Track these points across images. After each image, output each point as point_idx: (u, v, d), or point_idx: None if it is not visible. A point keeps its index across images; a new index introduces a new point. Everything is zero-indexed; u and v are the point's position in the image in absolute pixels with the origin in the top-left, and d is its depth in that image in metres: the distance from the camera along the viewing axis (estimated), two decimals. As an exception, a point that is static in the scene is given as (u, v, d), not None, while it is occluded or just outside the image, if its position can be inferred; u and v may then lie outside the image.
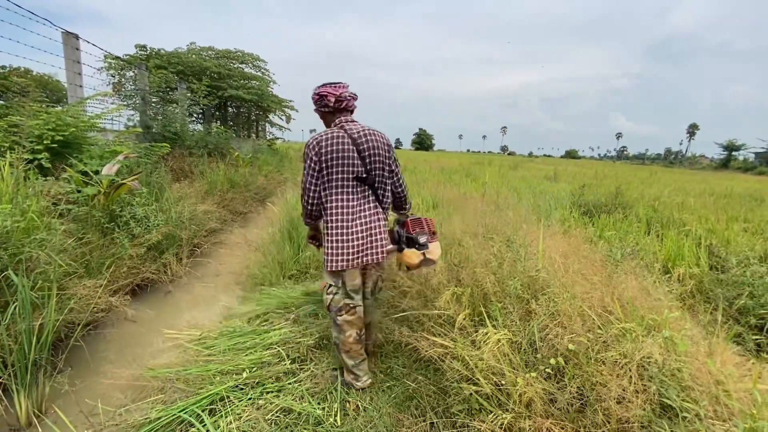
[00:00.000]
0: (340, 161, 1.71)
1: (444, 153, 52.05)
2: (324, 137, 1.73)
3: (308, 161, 1.74)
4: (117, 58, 8.38)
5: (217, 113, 14.64)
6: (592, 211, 4.82)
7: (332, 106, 1.81)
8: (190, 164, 7.38)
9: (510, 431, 1.36)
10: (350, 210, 1.74)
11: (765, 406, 1.13)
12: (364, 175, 1.76)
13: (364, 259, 1.77)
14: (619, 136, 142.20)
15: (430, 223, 1.90)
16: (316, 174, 1.74)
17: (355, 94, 1.86)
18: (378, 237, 1.78)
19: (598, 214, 4.71)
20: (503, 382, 1.44)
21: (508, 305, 1.73)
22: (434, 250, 1.84)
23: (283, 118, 17.73)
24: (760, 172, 35.72)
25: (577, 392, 1.36)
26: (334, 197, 1.74)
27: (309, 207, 1.83)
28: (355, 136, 1.75)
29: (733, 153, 51.45)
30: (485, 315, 1.73)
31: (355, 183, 1.75)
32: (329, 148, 1.71)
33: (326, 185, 1.75)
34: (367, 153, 1.75)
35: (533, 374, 1.40)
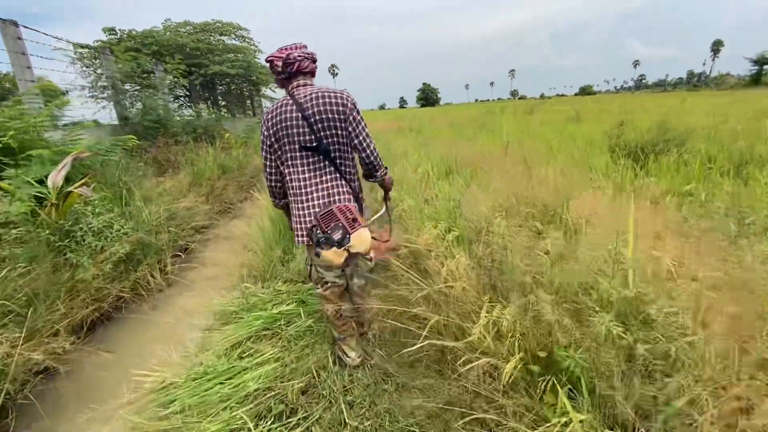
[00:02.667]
0: (286, 131, 1.58)
1: (451, 106, 49.74)
2: (272, 109, 1.62)
3: (261, 137, 1.65)
4: (77, 45, 7.58)
5: (206, 93, 13.79)
6: (638, 153, 3.99)
7: (281, 71, 1.63)
8: (176, 153, 6.75)
9: None
10: (305, 182, 1.61)
11: None
12: (315, 144, 1.58)
13: None
14: (636, 64, 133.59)
15: (345, 212, 1.53)
16: (268, 149, 1.64)
17: (309, 54, 1.64)
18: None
19: (645, 156, 3.89)
20: None
21: (594, 352, 1.04)
22: (357, 241, 1.47)
23: (277, 90, 16.71)
24: (798, 83, 32.56)
25: None
26: (289, 170, 1.63)
27: (269, 185, 1.74)
28: (301, 101, 1.57)
29: (765, 67, 47.13)
30: (554, 376, 1.06)
31: (304, 153, 1.60)
32: (276, 119, 1.59)
33: (281, 159, 1.64)
34: (314, 119, 1.56)
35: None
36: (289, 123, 1.56)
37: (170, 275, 3.45)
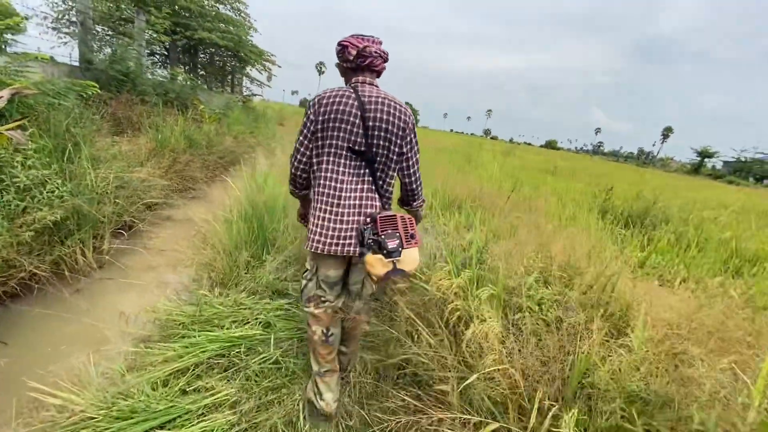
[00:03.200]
0: (338, 124, 1.42)
1: (430, 131, 50.70)
2: (327, 95, 1.46)
3: (305, 119, 1.48)
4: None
5: (186, 58, 12.78)
6: (628, 222, 4.02)
7: (352, 60, 1.48)
8: (140, 114, 5.99)
9: None
10: (341, 185, 1.45)
11: None
12: (363, 149, 1.45)
13: (346, 248, 1.44)
14: (597, 131, 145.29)
15: (407, 224, 1.41)
16: (309, 135, 1.47)
17: (385, 52, 1.51)
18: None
19: (633, 226, 3.91)
20: None
21: None
22: (407, 258, 1.34)
23: (263, 73, 15.93)
24: (730, 180, 36.86)
25: None
26: (324, 165, 1.47)
27: (295, 172, 1.57)
28: (365, 100, 1.43)
29: (705, 159, 53.16)
30: None
31: (350, 155, 1.45)
32: (329, 107, 1.42)
33: (319, 150, 1.47)
34: (372, 123, 1.43)
35: None
36: (345, 118, 1.41)
37: (105, 255, 2.86)
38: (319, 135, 1.44)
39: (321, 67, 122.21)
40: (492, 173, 5.70)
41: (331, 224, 1.44)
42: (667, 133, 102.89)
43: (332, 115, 1.41)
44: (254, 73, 16.01)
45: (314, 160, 1.49)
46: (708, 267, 2.48)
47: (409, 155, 1.53)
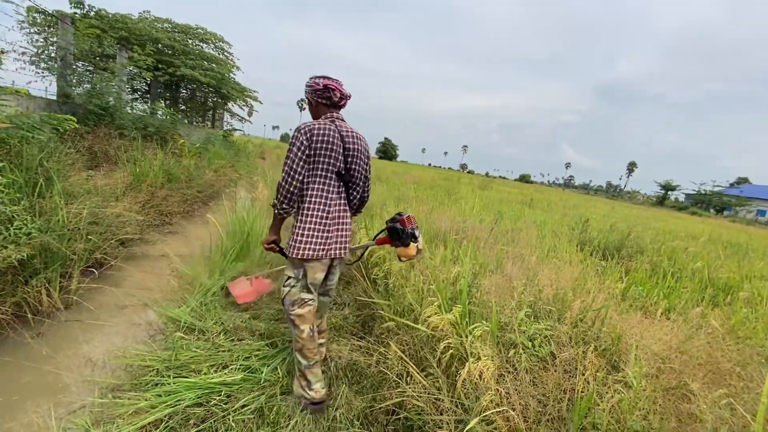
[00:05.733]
0: (327, 152, 1.72)
1: (408, 165, 51.87)
2: (317, 126, 1.72)
3: (298, 144, 1.70)
4: (33, 7, 6.67)
5: (167, 93, 12.83)
6: (605, 253, 4.13)
7: (334, 101, 1.83)
8: (117, 148, 5.88)
9: None
10: (328, 201, 1.77)
11: None
12: (343, 173, 1.80)
13: (331, 252, 1.78)
14: (568, 165, 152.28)
15: (414, 219, 1.96)
16: (304, 157, 1.71)
17: (350, 94, 1.89)
18: (345, 232, 1.84)
19: (611, 257, 4.02)
20: None
21: None
22: (420, 241, 1.95)
23: (245, 108, 16.12)
24: (693, 212, 38.86)
25: None
26: (315, 185, 1.75)
27: (292, 190, 1.73)
28: (344, 134, 1.78)
29: (669, 192, 56.27)
30: None
31: (335, 177, 1.78)
32: (320, 137, 1.71)
33: (311, 173, 1.74)
34: (351, 153, 1.79)
35: None
36: (331, 146, 1.72)
37: (72, 296, 2.68)
38: (313, 159, 1.71)
39: (302, 104, 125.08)
40: (473, 206, 5.81)
41: (321, 233, 1.74)
42: (631, 167, 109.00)
43: (323, 144, 1.70)
44: (236, 109, 16.20)
45: (304, 181, 1.73)
46: (686, 297, 2.54)
47: (369, 176, 1.96)
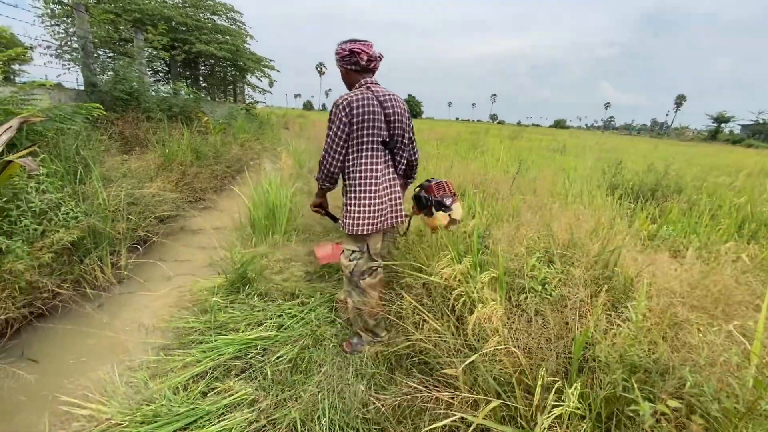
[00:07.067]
0: (369, 123, 1.67)
1: (434, 121, 50.30)
2: (355, 98, 1.65)
3: (337, 122, 1.65)
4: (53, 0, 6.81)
5: (186, 72, 12.98)
6: (639, 195, 3.93)
7: (363, 65, 1.73)
8: (146, 131, 6.13)
9: None
10: (377, 174, 1.72)
11: None
12: (387, 140, 1.74)
13: (387, 222, 1.80)
14: (607, 106, 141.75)
15: (450, 186, 1.93)
16: (344, 136, 1.66)
17: (381, 55, 1.78)
18: (398, 201, 1.84)
19: (645, 199, 3.83)
20: None
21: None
22: (457, 210, 1.88)
23: (263, 80, 16.04)
24: (749, 144, 35.50)
25: None
26: (362, 160, 1.70)
27: (333, 169, 1.74)
28: (382, 99, 1.70)
29: (722, 125, 51.31)
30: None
31: (380, 147, 1.73)
32: (360, 110, 1.64)
33: (354, 148, 1.70)
34: (392, 117, 1.72)
35: None
36: (372, 116, 1.65)
37: (123, 271, 2.96)
38: (355, 134, 1.66)
39: (321, 68, 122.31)
40: (497, 158, 5.64)
41: (374, 207, 1.72)
42: (680, 101, 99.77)
43: (364, 116, 1.64)
44: (255, 81, 16.15)
45: (349, 157, 1.70)
46: (721, 233, 2.41)
47: (413, 138, 1.91)
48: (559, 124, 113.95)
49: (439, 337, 1.38)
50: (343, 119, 1.62)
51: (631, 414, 0.91)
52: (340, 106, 1.63)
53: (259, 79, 15.92)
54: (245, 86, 16.72)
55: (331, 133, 1.66)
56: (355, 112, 1.62)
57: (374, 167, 1.70)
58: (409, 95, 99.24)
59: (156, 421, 1.44)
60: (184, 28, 11.34)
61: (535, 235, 1.84)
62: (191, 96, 9.18)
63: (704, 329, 1.03)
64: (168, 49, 9.15)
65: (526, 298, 1.44)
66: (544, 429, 0.91)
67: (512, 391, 1.10)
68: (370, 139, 1.67)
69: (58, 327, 2.24)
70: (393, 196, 1.79)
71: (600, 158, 8.84)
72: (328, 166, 1.72)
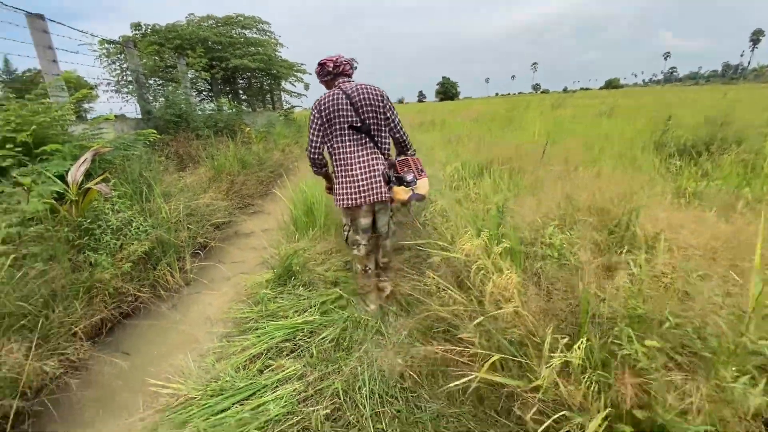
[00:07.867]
0: (336, 113, 1.96)
1: (471, 100, 48.74)
2: (323, 98, 1.99)
3: (312, 118, 2.01)
4: (104, 40, 7.62)
5: (227, 87, 13.82)
6: (691, 152, 3.65)
7: (331, 71, 2.05)
8: (197, 147, 6.71)
9: None
10: (349, 154, 2.00)
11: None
12: (359, 124, 1.99)
13: (367, 198, 2.01)
14: (666, 56, 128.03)
15: (417, 162, 2.12)
16: (318, 128, 2.00)
17: (351, 60, 2.10)
18: (378, 178, 2.02)
19: (699, 155, 3.54)
20: None
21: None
22: (422, 185, 2.06)
23: (298, 84, 16.60)
24: None
25: None
26: (336, 145, 2.01)
27: (313, 157, 2.08)
28: (349, 92, 1.98)
29: (812, 57, 44.16)
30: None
31: (351, 131, 1.99)
32: (327, 104, 1.96)
33: (330, 136, 2.01)
34: (359, 104, 1.98)
35: None
36: (339, 107, 1.94)
37: (189, 274, 3.35)
38: (326, 126, 1.97)
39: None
40: (533, 132, 5.45)
41: (351, 184, 1.99)
42: (757, 37, 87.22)
43: (331, 109, 1.95)
44: (289, 86, 16.76)
45: (327, 145, 2.02)
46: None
47: (392, 118, 2.09)
48: (611, 84, 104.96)
49: (461, 307, 1.47)
50: (315, 115, 1.98)
51: (623, 359, 0.94)
52: (313, 107, 2.01)
53: (293, 84, 16.51)
54: (281, 93, 17.44)
55: (309, 129, 2.03)
56: (323, 108, 1.96)
57: (347, 150, 1.99)
58: (443, 77, 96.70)
59: (222, 394, 1.69)
60: (219, 47, 12.08)
61: (553, 204, 1.84)
62: (233, 110, 9.82)
63: (709, 278, 1.03)
64: (207, 68, 9.83)
65: (543, 265, 1.48)
66: (545, 378, 0.98)
67: (525, 350, 1.17)
68: (339, 126, 1.97)
69: (142, 324, 2.63)
70: (371, 174, 2.00)
71: (653, 118, 8.15)
72: (309, 155, 2.07)
